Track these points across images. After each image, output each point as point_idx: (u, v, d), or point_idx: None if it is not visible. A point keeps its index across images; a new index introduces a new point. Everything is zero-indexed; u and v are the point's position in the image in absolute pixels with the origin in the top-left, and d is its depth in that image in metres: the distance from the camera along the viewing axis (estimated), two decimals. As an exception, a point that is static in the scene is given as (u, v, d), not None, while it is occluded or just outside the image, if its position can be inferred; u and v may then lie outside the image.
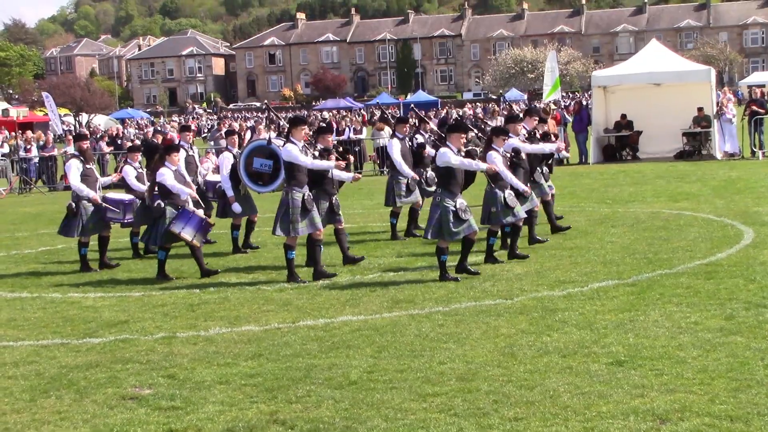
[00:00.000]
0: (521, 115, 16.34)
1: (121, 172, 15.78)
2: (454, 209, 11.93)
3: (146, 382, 8.23)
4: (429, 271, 12.89)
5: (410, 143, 16.19)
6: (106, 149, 36.32)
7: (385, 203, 16.38)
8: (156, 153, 23.84)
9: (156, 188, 13.51)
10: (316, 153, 13.06)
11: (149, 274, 14.06)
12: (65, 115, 72.45)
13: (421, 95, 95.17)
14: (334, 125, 36.48)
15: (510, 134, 13.76)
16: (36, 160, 34.59)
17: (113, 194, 15.42)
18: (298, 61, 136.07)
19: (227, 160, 15.43)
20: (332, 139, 13.94)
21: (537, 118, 16.13)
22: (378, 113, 58.56)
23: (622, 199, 20.03)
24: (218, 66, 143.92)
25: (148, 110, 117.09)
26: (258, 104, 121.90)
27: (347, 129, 35.78)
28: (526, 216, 13.74)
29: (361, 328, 9.78)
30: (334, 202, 13.60)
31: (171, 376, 8.37)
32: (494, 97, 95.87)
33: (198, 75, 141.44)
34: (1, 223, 22.72)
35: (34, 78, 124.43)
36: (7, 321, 11.17)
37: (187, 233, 13.26)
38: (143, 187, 15.32)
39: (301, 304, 11.24)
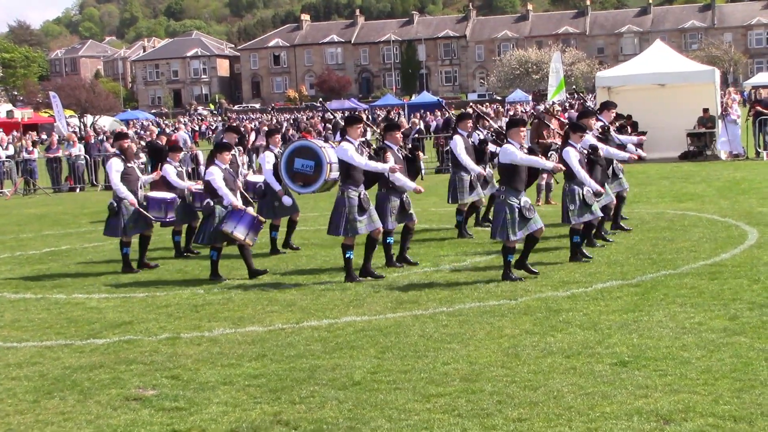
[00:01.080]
0: (597, 108, 16.15)
1: (160, 170, 15.64)
2: (518, 207, 11.79)
3: (150, 383, 8.24)
4: (433, 272, 12.89)
5: (471, 140, 16.18)
6: (111, 150, 36.29)
7: (449, 200, 16.21)
8: (161, 154, 23.93)
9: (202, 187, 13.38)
10: (371, 152, 12.82)
11: (153, 275, 14.08)
12: (70, 116, 72.53)
13: (426, 96, 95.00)
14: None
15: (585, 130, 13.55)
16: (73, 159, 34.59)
17: (155, 193, 15.25)
18: (302, 63, 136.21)
19: (269, 158, 15.23)
20: (400, 135, 13.67)
21: (614, 112, 16.05)
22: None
23: (627, 199, 19.98)
24: (223, 67, 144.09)
25: (152, 111, 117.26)
26: (258, 106, 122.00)
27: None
28: (602, 215, 13.52)
29: (365, 329, 9.78)
30: (404, 199, 13.37)
31: (175, 376, 8.37)
32: (499, 98, 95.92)
33: (203, 76, 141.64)
34: (5, 225, 22.76)
35: (38, 79, 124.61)
36: (11, 322, 11.18)
37: (240, 232, 13.06)
38: (184, 184, 15.39)
39: (305, 304, 11.24)
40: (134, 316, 11.10)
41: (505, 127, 12.59)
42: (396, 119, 46.08)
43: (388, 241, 13.49)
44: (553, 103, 36.64)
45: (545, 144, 18.03)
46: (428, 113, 58.10)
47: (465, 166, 15.62)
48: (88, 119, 79.10)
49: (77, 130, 62.47)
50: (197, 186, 15.76)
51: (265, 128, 38.10)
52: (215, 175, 13.17)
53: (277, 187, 15.02)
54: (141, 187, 14.66)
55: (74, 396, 7.95)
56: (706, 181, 22.71)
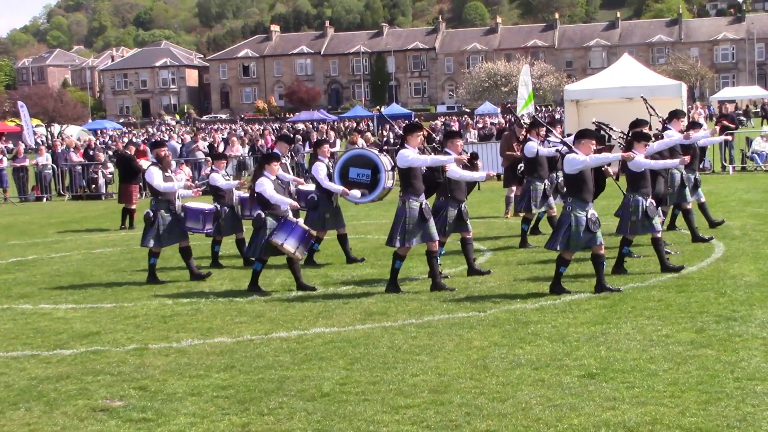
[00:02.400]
0: (665, 117, 15.95)
1: (205, 181, 15.30)
2: (585, 219, 11.43)
3: (117, 393, 8.19)
4: (402, 284, 12.87)
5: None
6: (75, 159, 35.96)
7: (516, 209, 15.95)
8: (128, 164, 23.80)
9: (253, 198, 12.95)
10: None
11: (121, 285, 13.99)
12: (37, 125, 72.10)
13: (395, 108, 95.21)
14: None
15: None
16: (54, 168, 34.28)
17: (193, 204, 14.97)
18: (272, 73, 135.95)
19: (321, 169, 14.74)
20: (461, 143, 13.37)
21: (684, 120, 15.79)
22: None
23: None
24: (192, 77, 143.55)
25: (120, 121, 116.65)
26: (226, 116, 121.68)
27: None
28: (660, 230, 12.93)
29: (333, 340, 9.78)
30: (462, 209, 13.17)
31: (142, 387, 8.33)
32: (468, 110, 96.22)
33: (171, 86, 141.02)
34: (-29, 234, 22.54)
35: (5, 88, 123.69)
36: (-24, 332, 11.07)
37: (290, 245, 12.64)
38: (232, 182, 15.16)
39: (273, 315, 11.22)
40: (102, 327, 11.04)
41: (575, 136, 12.14)
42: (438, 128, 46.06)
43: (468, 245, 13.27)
44: (523, 115, 36.78)
45: (513, 156, 18.05)
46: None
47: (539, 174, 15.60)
48: (56, 128, 78.58)
49: (44, 139, 62.03)
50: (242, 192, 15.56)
51: (233, 138, 38.06)
52: (266, 186, 12.78)
53: (338, 189, 14.32)
54: (178, 198, 14.28)
55: (40, 407, 7.89)
56: (672, 195, 22.81)
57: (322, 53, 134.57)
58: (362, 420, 7.13)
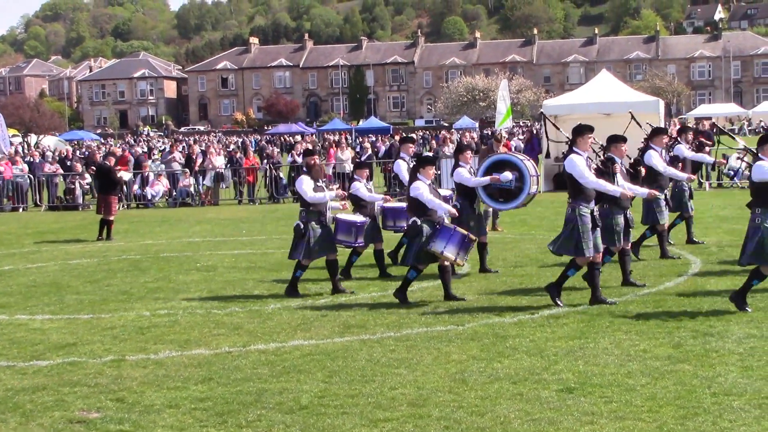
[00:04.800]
0: None
1: (347, 198, 14.91)
2: None
3: (94, 405, 8.14)
4: (380, 296, 12.88)
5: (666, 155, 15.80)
6: (48, 169, 35.72)
7: (643, 221, 15.41)
8: (107, 175, 23.64)
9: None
10: (599, 164, 12.05)
11: (98, 296, 13.92)
12: (13, 135, 71.71)
13: (373, 121, 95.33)
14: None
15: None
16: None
17: (345, 216, 14.52)
18: (250, 86, 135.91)
19: (464, 173, 14.16)
20: (625, 148, 12.92)
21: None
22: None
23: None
24: (170, 89, 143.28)
25: (98, 132, 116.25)
26: (204, 128, 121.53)
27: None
28: None
29: (312, 353, 9.76)
30: (628, 216, 12.79)
31: (120, 399, 8.28)
32: (446, 124, 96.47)
33: (150, 97, 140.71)
34: (-54, 244, 22.37)
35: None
36: (-48, 343, 10.99)
37: (450, 251, 12.16)
38: (377, 197, 14.77)
39: (251, 328, 11.19)
40: (79, 338, 10.97)
41: (757, 142, 11.28)
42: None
43: (626, 257, 13.02)
44: (500, 129, 36.85)
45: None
46: (378, 138, 58.34)
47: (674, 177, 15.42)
48: (32, 138, 78.26)
49: (20, 149, 61.70)
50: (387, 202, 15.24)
51: (212, 150, 37.95)
52: (422, 190, 12.35)
53: (482, 181, 13.67)
54: (328, 209, 13.62)
55: (16, 419, 7.83)
56: (649, 210, 22.91)
57: (300, 66, 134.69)
58: (341, 433, 7.12)
